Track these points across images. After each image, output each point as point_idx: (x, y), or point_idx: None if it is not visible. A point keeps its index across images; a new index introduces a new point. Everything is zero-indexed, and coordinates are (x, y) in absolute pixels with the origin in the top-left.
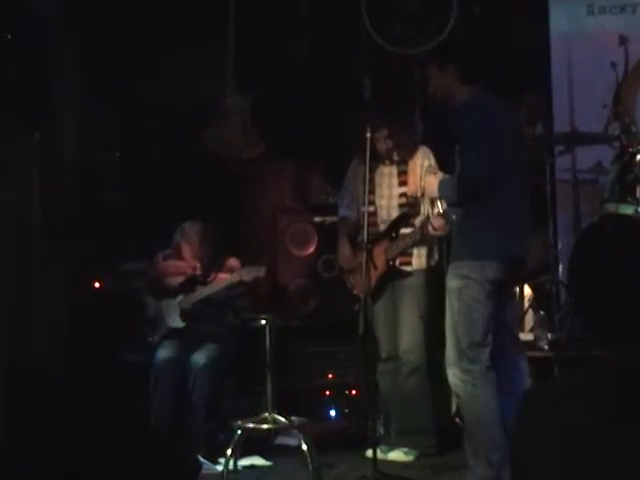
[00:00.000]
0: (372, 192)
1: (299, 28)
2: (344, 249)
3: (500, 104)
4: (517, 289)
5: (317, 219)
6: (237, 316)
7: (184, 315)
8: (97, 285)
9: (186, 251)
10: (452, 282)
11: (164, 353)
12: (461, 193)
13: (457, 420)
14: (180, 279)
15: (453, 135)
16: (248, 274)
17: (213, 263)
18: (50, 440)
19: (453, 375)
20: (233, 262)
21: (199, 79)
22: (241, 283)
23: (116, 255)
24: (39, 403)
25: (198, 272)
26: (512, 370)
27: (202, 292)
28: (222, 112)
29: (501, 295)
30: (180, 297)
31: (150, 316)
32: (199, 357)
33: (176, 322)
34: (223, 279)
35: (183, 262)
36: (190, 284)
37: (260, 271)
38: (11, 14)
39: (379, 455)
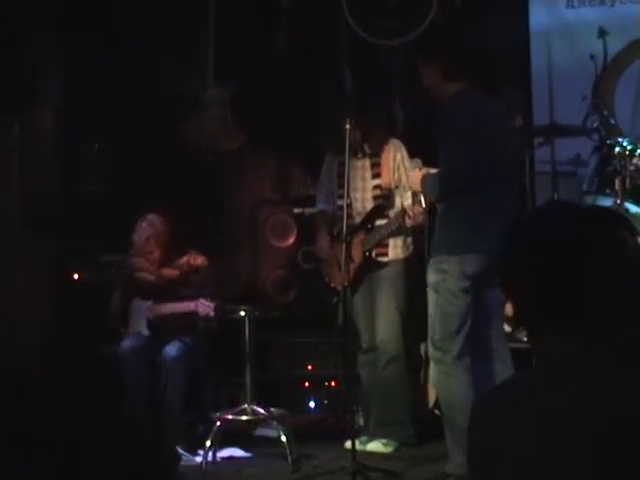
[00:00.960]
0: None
1: (279, 20)
2: (322, 241)
3: (487, 100)
4: None
5: (297, 210)
6: (208, 325)
7: (149, 324)
8: (76, 277)
9: (135, 244)
10: (431, 277)
11: (129, 342)
12: (443, 191)
13: (436, 411)
14: (148, 277)
15: (438, 131)
16: (202, 309)
17: (173, 256)
18: (31, 432)
19: (432, 367)
20: (201, 260)
21: (179, 71)
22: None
23: (95, 247)
24: (19, 397)
25: (163, 275)
26: (495, 362)
27: (168, 307)
28: (202, 104)
29: (482, 287)
30: (149, 303)
31: (116, 311)
32: (171, 349)
33: (142, 328)
34: (182, 305)
35: (146, 261)
36: (158, 291)
37: (211, 309)
38: None
39: (358, 446)
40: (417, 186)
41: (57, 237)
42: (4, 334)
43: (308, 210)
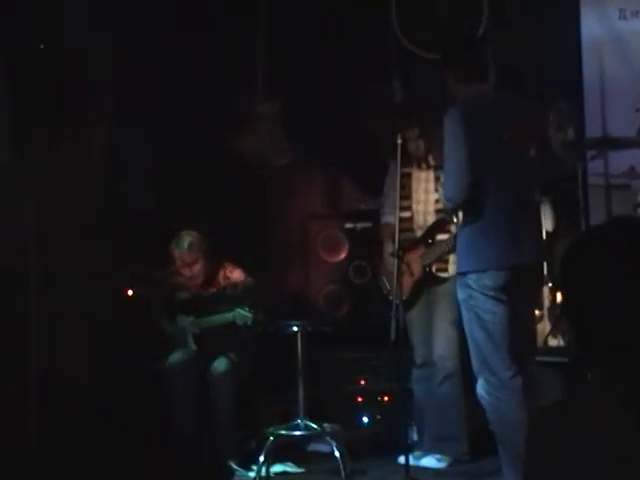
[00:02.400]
0: (409, 197)
1: (330, 33)
2: (389, 250)
3: (502, 104)
4: (547, 295)
5: (348, 225)
6: (252, 327)
7: (195, 339)
8: (130, 293)
9: (176, 260)
10: (459, 293)
11: (176, 356)
12: (446, 209)
13: (490, 427)
14: (187, 295)
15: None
16: (240, 318)
17: (209, 276)
18: (81, 445)
19: (479, 386)
20: (237, 274)
21: (229, 86)
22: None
23: (146, 263)
24: (70, 408)
25: (202, 291)
26: (525, 375)
27: (208, 321)
28: (252, 119)
29: (514, 299)
30: (191, 318)
31: (171, 336)
32: (219, 364)
33: (189, 342)
34: (220, 317)
35: (182, 277)
36: (194, 304)
37: (248, 319)
38: (45, 25)
39: (411, 461)
40: None
41: (108, 252)
42: (56, 348)
43: (359, 225)
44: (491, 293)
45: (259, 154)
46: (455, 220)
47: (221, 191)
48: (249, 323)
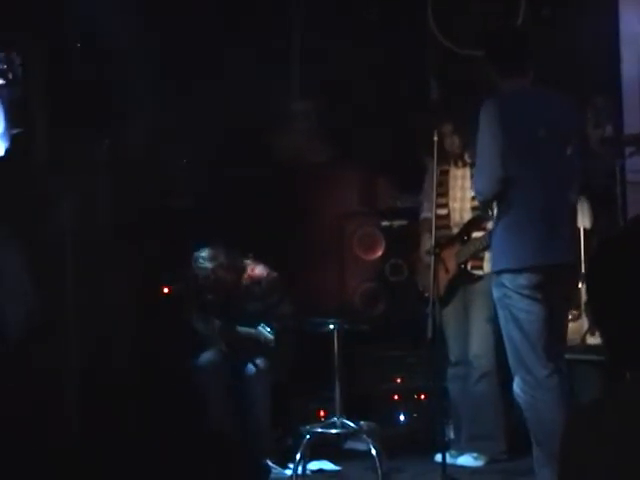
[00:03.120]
0: (445, 195)
1: (365, 31)
2: (426, 243)
3: (540, 100)
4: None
5: (384, 223)
6: (281, 325)
7: (227, 343)
8: (166, 290)
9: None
10: (494, 292)
11: (207, 356)
12: (479, 203)
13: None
14: (215, 299)
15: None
16: (262, 336)
17: (234, 279)
18: (121, 443)
19: (515, 384)
20: (260, 270)
21: (265, 85)
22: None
23: (183, 260)
24: (110, 406)
25: (231, 291)
26: (561, 374)
27: (236, 332)
28: (288, 117)
29: (549, 298)
30: (220, 323)
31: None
32: (254, 362)
33: (222, 346)
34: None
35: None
36: (223, 307)
37: (271, 341)
38: (82, 23)
39: (448, 460)
40: None
41: (146, 251)
42: (94, 346)
43: (396, 222)
44: (526, 292)
45: (295, 153)
46: (491, 214)
47: (257, 190)
48: (271, 344)
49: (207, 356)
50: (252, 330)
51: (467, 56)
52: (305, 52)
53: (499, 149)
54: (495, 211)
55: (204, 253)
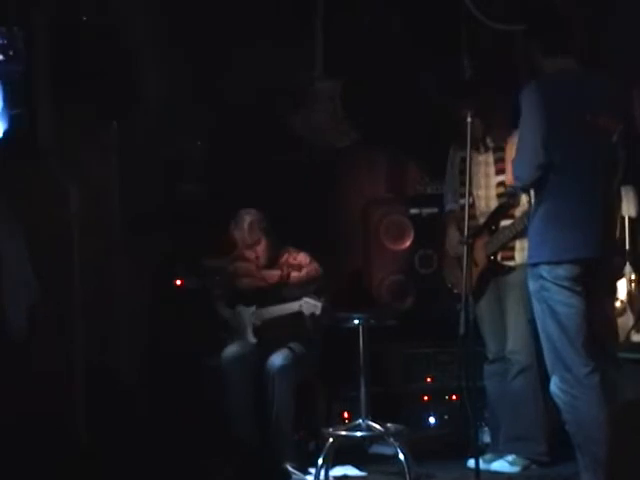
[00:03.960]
0: (469, 183)
1: (392, 5)
2: (453, 239)
3: (586, 83)
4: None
5: (413, 211)
6: (315, 326)
7: (255, 332)
8: (178, 283)
9: (238, 239)
10: (530, 284)
11: (232, 349)
12: (516, 188)
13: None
14: (251, 281)
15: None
16: (307, 308)
17: (273, 255)
18: (132, 446)
19: (552, 384)
20: (302, 258)
21: (285, 63)
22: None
23: (198, 251)
24: (120, 407)
25: (267, 276)
26: (603, 372)
27: (272, 311)
28: (310, 98)
29: (589, 291)
30: (253, 308)
31: (231, 327)
32: (277, 358)
33: (248, 335)
34: (286, 307)
35: (246, 260)
36: (257, 292)
37: (317, 308)
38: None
39: (482, 465)
40: None
41: (158, 240)
42: (102, 340)
43: (426, 210)
44: (565, 284)
45: (318, 136)
46: (527, 199)
47: (278, 175)
48: (318, 312)
49: (233, 349)
50: (292, 305)
51: (502, 31)
52: (329, 27)
53: (541, 133)
54: (532, 199)
55: (246, 214)
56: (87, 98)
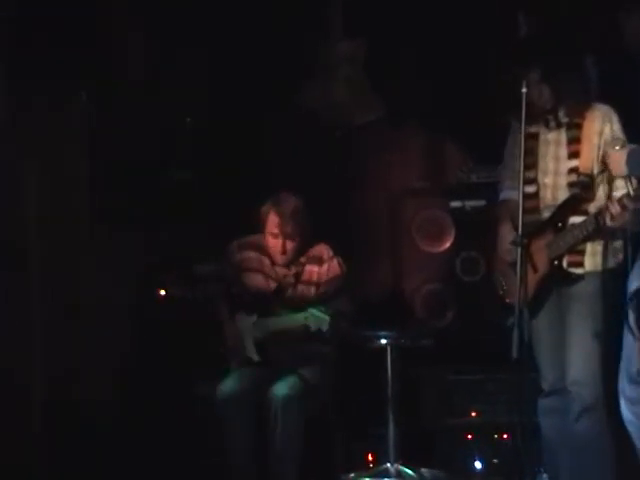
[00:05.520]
0: (534, 167)
1: None
2: (507, 235)
3: None
4: None
5: (454, 204)
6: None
7: (258, 346)
8: (162, 292)
9: (271, 224)
10: (633, 284)
11: (229, 384)
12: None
13: None
14: (259, 279)
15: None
16: (313, 322)
17: (299, 252)
18: None
19: (624, 407)
20: (322, 249)
21: (298, 24)
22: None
23: (188, 254)
24: (86, 444)
25: (283, 278)
26: None
27: (277, 322)
28: (328, 65)
29: None
30: (254, 318)
31: (229, 344)
32: (282, 386)
33: (250, 352)
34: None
35: (262, 253)
36: (266, 298)
37: (324, 323)
38: None
39: None
40: (621, 170)
41: (138, 240)
42: (69, 362)
43: (469, 203)
44: None
45: (336, 110)
46: (606, 192)
47: (285, 160)
48: (324, 328)
49: (227, 388)
50: (297, 317)
51: None
52: None
53: None
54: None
55: (292, 198)
56: (50, 64)
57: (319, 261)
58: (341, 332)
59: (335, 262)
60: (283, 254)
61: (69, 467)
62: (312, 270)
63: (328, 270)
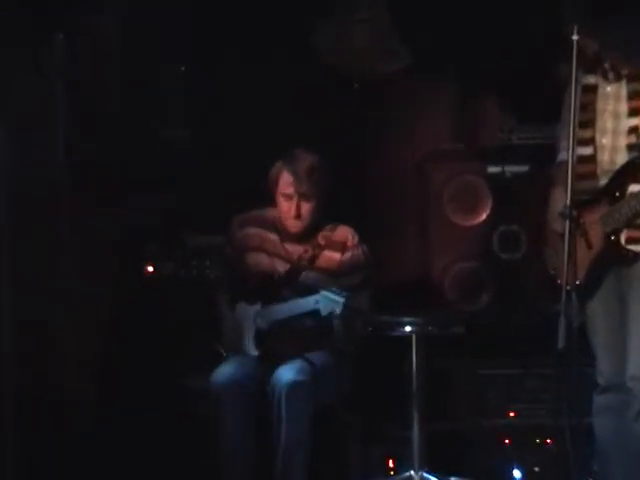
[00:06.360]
0: (590, 125)
1: None
2: (560, 202)
3: None
4: None
5: (492, 169)
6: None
7: (259, 338)
8: (150, 269)
9: (284, 183)
10: None
11: (226, 370)
12: None
13: None
14: (264, 258)
15: None
16: (325, 305)
17: (314, 226)
18: None
19: None
20: (345, 233)
21: None
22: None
23: (181, 225)
24: (63, 438)
25: (294, 259)
26: None
27: (284, 309)
28: (344, 4)
29: None
30: (258, 306)
31: (227, 333)
32: (286, 372)
33: (249, 346)
34: (298, 304)
35: (269, 227)
36: (273, 282)
37: (338, 305)
38: None
39: None
40: None
41: (122, 209)
42: (40, 353)
43: (510, 169)
44: None
45: (354, 57)
46: None
47: (293, 115)
48: (337, 311)
49: (223, 373)
50: (307, 300)
51: None
52: None
53: None
54: None
55: (306, 154)
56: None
57: (341, 247)
58: (356, 333)
59: (360, 250)
60: (297, 218)
61: (43, 464)
62: (331, 257)
63: (351, 259)
